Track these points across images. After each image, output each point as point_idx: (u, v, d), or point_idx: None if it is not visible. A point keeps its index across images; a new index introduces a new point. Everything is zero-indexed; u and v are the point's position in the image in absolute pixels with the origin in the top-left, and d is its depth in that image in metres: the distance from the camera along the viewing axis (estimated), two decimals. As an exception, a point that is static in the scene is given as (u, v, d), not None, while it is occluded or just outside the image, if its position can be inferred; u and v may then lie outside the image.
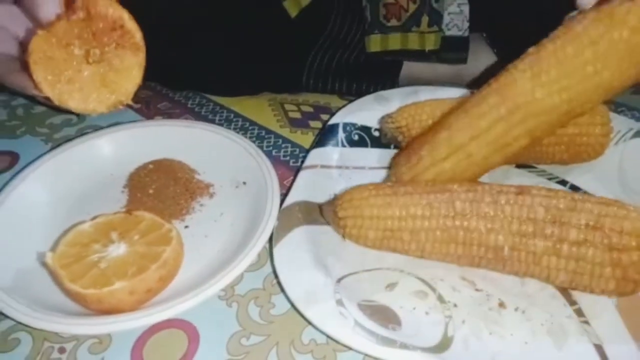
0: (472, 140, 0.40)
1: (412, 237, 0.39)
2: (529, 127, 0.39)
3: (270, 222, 0.42)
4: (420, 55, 0.64)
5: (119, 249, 0.39)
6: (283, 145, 0.56)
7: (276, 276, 0.39)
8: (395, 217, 0.39)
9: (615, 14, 0.35)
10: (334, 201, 0.41)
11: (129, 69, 0.41)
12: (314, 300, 0.36)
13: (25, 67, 0.39)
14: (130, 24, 0.40)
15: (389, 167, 0.48)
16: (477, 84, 0.42)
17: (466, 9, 0.62)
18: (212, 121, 0.59)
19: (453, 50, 0.63)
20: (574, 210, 0.35)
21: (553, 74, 0.37)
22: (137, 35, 0.40)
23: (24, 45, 0.42)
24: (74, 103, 0.40)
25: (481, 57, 0.64)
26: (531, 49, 0.39)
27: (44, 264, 0.38)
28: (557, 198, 0.36)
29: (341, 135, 0.52)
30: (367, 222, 0.39)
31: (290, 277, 0.38)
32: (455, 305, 0.38)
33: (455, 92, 0.54)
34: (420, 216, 0.38)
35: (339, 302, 0.36)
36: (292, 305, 0.37)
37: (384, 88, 0.59)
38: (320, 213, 0.43)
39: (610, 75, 0.36)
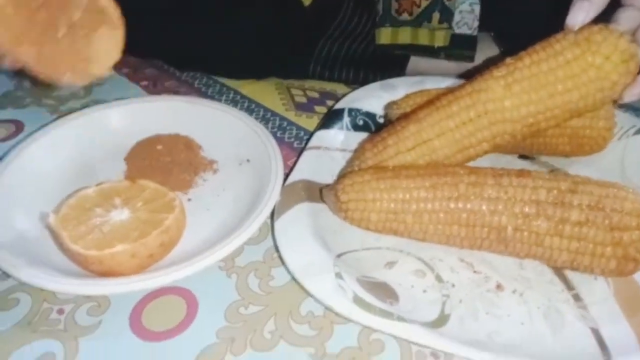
0: (438, 137, 0.41)
1: (415, 220, 0.39)
2: (493, 133, 0.40)
3: (272, 198, 0.42)
4: (428, 51, 0.64)
5: (121, 215, 0.39)
6: (288, 128, 0.56)
7: (277, 249, 0.39)
8: (399, 199, 0.39)
9: (592, 40, 0.36)
10: (335, 185, 0.41)
11: (107, 45, 0.42)
12: (313, 272, 0.36)
13: None
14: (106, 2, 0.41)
15: (355, 151, 0.48)
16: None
17: (477, 8, 0.62)
18: (218, 101, 0.59)
19: (461, 48, 0.64)
20: (576, 192, 0.35)
21: (524, 86, 0.38)
22: (115, 14, 0.41)
23: None
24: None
25: (488, 56, 0.65)
26: (509, 59, 0.40)
27: (47, 226, 0.39)
28: (557, 181, 0.36)
29: (346, 119, 0.52)
30: (370, 205, 0.39)
31: (290, 248, 0.38)
32: (453, 285, 0.38)
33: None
34: (423, 198, 0.38)
35: (338, 275, 0.36)
36: (292, 276, 0.37)
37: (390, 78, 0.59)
38: (320, 197, 0.43)
39: (578, 96, 0.38)
